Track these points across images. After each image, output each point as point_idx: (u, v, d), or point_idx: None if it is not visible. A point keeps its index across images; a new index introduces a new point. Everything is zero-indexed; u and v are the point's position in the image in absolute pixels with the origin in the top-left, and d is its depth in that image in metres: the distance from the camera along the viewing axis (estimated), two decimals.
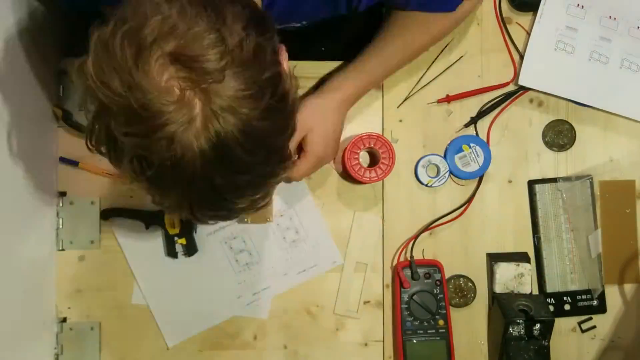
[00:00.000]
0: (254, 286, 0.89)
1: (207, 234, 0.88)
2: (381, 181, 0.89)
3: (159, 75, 0.48)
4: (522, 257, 0.89)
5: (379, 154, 0.85)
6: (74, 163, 0.87)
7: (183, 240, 0.86)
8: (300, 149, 0.80)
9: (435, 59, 0.90)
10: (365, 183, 0.86)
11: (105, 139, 0.54)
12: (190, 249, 0.87)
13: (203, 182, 0.52)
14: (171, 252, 0.87)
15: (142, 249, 0.88)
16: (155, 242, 0.88)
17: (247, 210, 0.59)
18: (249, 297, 0.89)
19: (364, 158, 0.88)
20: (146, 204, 0.87)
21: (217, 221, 0.63)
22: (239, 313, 0.89)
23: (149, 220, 0.87)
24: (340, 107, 0.81)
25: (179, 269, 0.88)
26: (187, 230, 0.87)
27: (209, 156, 0.50)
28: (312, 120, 0.79)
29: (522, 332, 0.84)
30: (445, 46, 0.90)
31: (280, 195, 0.89)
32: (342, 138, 0.88)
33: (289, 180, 0.84)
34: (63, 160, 0.87)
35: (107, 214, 0.87)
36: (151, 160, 0.51)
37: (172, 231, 0.86)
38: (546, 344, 0.84)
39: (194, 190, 0.53)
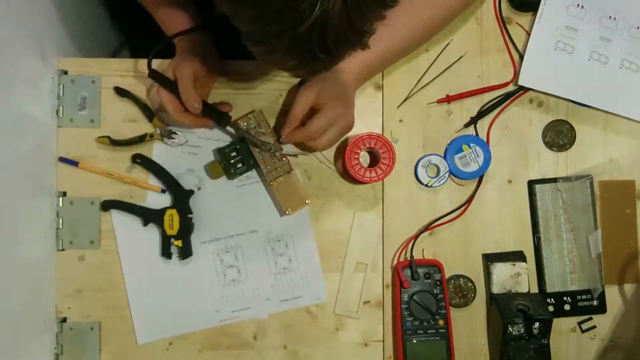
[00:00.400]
0: (234, 304, 0.89)
1: (202, 242, 0.88)
2: (381, 181, 0.89)
3: None
4: (517, 257, 0.89)
5: (379, 154, 0.85)
6: (73, 163, 0.87)
7: (179, 243, 0.86)
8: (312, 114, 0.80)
9: (436, 59, 0.90)
10: (365, 183, 0.86)
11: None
12: (185, 252, 0.87)
13: None
14: (166, 253, 0.87)
15: (137, 245, 0.88)
16: (151, 240, 0.88)
17: (361, 43, 0.61)
18: (227, 313, 0.88)
19: (364, 158, 0.88)
20: (146, 203, 0.87)
21: (337, 50, 0.61)
22: (212, 327, 0.88)
23: (148, 217, 0.87)
24: (348, 84, 0.81)
25: (166, 271, 0.88)
26: (185, 234, 0.86)
27: None
28: (323, 80, 0.78)
29: (522, 331, 0.84)
30: (446, 46, 0.90)
31: (281, 220, 0.89)
32: (342, 139, 0.88)
33: (304, 138, 0.82)
34: (63, 160, 0.87)
35: (108, 205, 0.87)
36: None
37: (169, 232, 0.86)
38: (546, 342, 0.84)
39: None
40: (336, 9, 0.55)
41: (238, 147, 0.85)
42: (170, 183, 0.87)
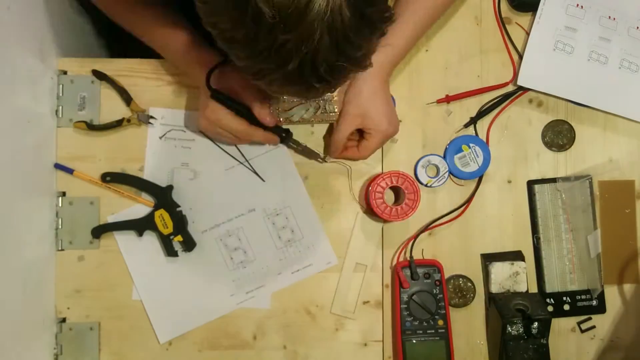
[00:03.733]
0: (247, 285, 0.89)
1: (202, 231, 0.89)
2: None
3: None
4: (516, 256, 0.89)
5: (403, 192, 0.84)
6: (69, 171, 0.87)
7: (179, 238, 0.86)
8: (360, 134, 0.83)
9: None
10: (389, 221, 0.86)
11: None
12: (189, 244, 0.87)
13: (335, 16, 0.53)
14: (171, 252, 0.87)
15: (142, 252, 0.88)
16: (152, 241, 0.88)
17: (360, 66, 0.61)
18: (242, 295, 0.89)
19: (388, 194, 0.88)
20: (134, 213, 0.87)
21: (335, 83, 0.62)
22: (231, 311, 0.89)
23: (141, 227, 0.87)
24: (383, 84, 0.81)
25: (175, 267, 0.88)
26: (181, 227, 0.87)
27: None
28: (362, 104, 0.79)
29: (520, 331, 0.84)
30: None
31: (276, 194, 0.89)
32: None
33: (358, 158, 0.85)
34: (58, 166, 0.87)
35: (98, 232, 0.87)
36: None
37: (165, 231, 0.86)
38: (545, 342, 0.84)
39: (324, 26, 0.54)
40: (323, 45, 0.55)
41: None
42: (146, 187, 0.87)
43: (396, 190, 0.88)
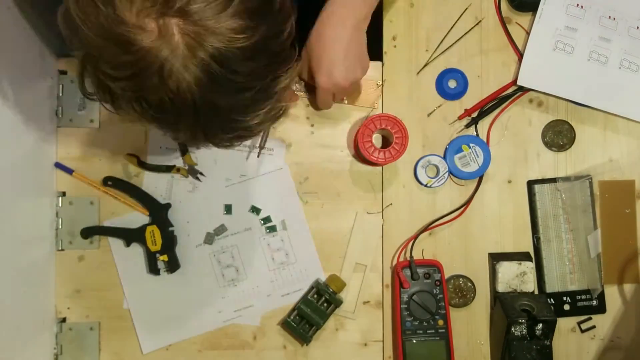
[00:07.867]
0: (236, 303, 0.88)
1: (197, 245, 0.88)
2: (381, 181, 0.89)
3: (126, 9, 0.48)
4: (523, 256, 0.89)
5: (392, 136, 0.84)
6: (69, 171, 0.87)
7: (165, 257, 0.86)
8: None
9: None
10: (375, 164, 0.85)
11: (98, 86, 0.53)
12: (172, 266, 0.86)
13: (207, 108, 0.52)
14: (153, 269, 0.86)
15: (134, 260, 0.88)
16: (141, 257, 0.88)
17: (265, 122, 0.58)
18: (229, 313, 0.88)
19: (377, 140, 0.88)
20: (131, 220, 0.87)
21: (241, 142, 0.62)
22: (216, 328, 0.88)
23: (129, 237, 0.86)
24: (352, 31, 0.72)
25: (165, 279, 0.88)
26: (169, 247, 0.86)
27: (203, 81, 0.50)
28: (313, 48, 0.74)
29: (524, 332, 0.84)
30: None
31: (274, 215, 0.89)
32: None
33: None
34: (59, 166, 0.87)
35: (87, 233, 0.87)
36: (149, 99, 0.51)
37: (153, 248, 0.85)
38: (548, 343, 0.84)
39: (201, 118, 0.53)
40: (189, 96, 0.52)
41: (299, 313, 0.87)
42: (145, 200, 0.87)
43: (385, 137, 0.88)
